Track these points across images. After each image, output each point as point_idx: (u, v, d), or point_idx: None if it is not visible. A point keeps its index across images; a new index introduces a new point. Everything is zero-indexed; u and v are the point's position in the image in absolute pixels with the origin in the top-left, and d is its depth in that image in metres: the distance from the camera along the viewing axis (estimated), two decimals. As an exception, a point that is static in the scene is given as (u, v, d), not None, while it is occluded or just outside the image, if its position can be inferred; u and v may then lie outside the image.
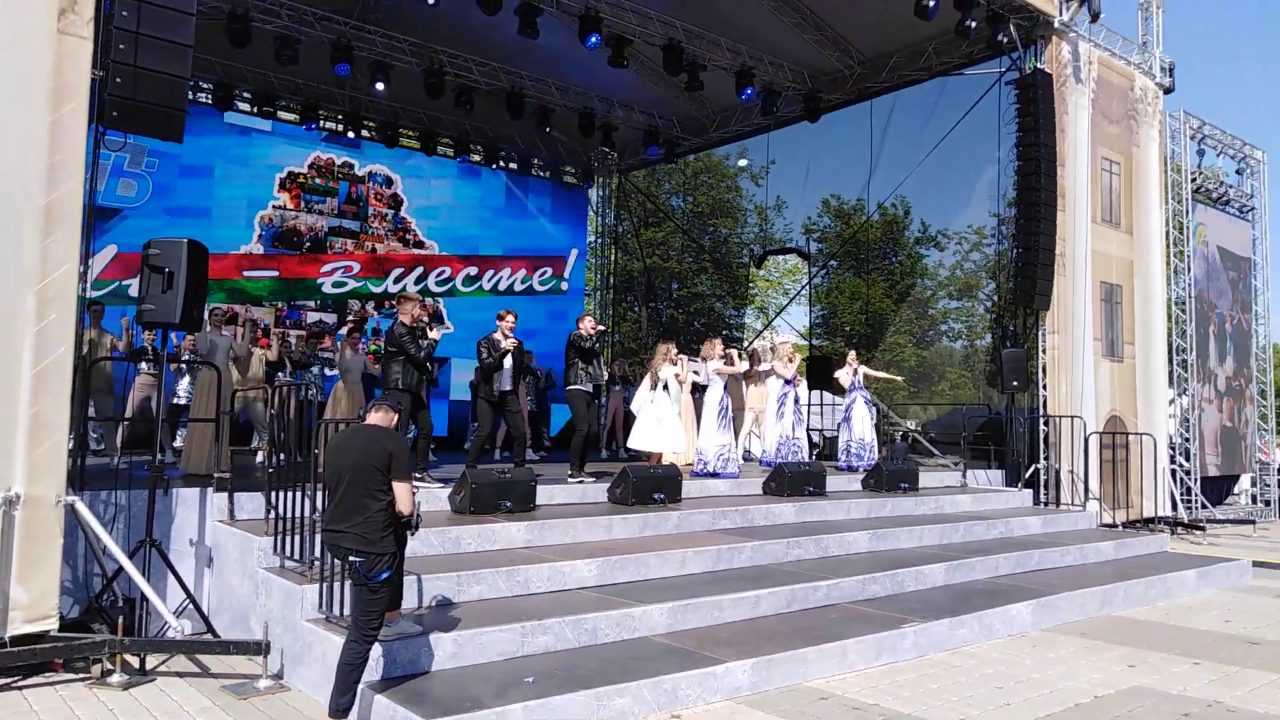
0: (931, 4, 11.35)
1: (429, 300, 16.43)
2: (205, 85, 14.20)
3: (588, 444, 9.39)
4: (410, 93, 14.44)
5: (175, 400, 9.27)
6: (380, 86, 13.58)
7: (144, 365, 9.42)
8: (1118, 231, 13.34)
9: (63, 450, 5.80)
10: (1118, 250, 13.28)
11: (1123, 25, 14.31)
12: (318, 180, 15.93)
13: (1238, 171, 16.78)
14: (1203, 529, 13.04)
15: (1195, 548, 11.57)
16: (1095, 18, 12.37)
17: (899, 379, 12.47)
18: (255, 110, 14.91)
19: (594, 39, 12.22)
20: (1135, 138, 13.79)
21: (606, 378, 9.30)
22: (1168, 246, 14.53)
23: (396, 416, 5.03)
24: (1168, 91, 14.55)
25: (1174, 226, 14.81)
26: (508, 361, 8.69)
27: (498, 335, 8.71)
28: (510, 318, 8.85)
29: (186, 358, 9.31)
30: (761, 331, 21.66)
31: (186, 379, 9.27)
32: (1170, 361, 14.28)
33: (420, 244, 17.04)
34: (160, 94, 6.62)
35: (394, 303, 16.22)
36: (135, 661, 5.58)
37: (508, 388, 8.68)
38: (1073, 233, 12.22)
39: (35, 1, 5.93)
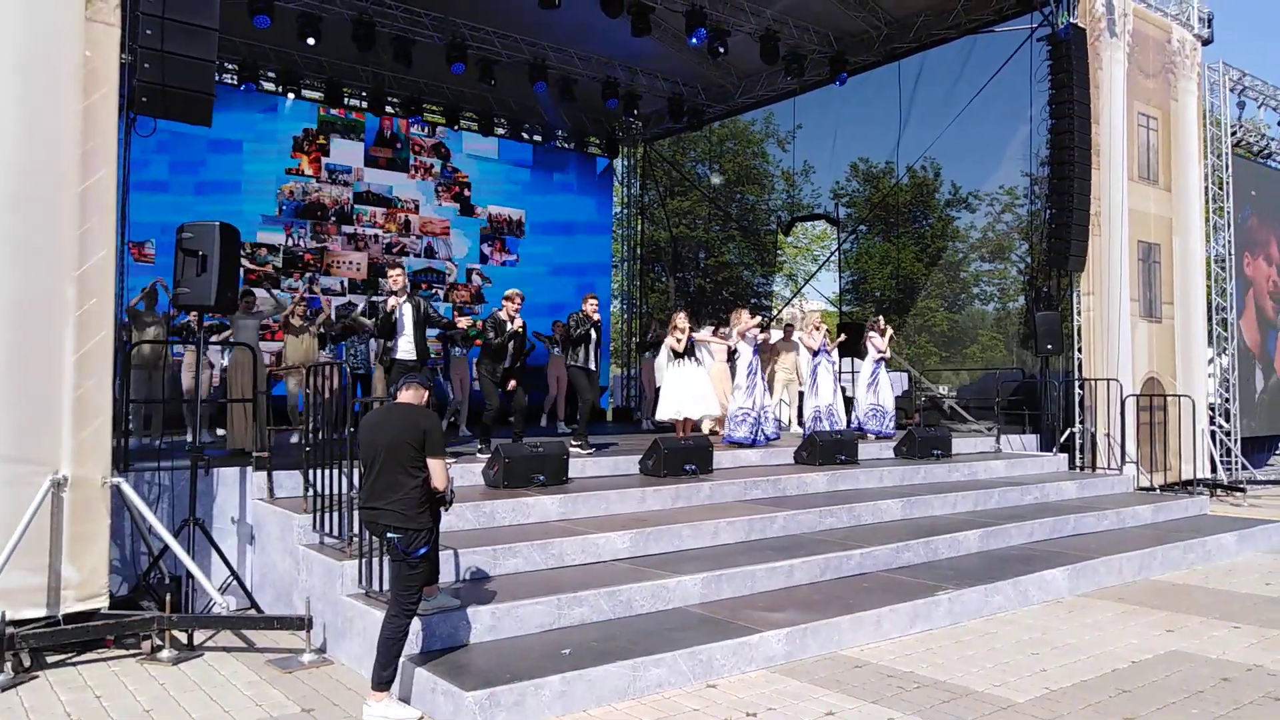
0: (961, -40, 11.08)
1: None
2: (230, 66, 14.25)
3: (587, 414, 9.53)
4: (433, 67, 14.40)
5: (214, 382, 9.45)
6: (403, 61, 13.54)
7: (181, 347, 9.58)
8: (1155, 189, 13.04)
9: (107, 432, 5.94)
10: (1156, 208, 12.99)
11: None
12: (338, 119, 15.59)
13: (1280, 124, 16.33)
14: (1243, 491, 12.85)
15: (1235, 510, 11.41)
16: (1130, -33, 12.02)
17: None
18: (280, 90, 14.96)
19: (616, 7, 12.08)
20: (1173, 91, 13.41)
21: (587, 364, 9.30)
22: (1207, 203, 14.18)
23: (427, 394, 5.09)
24: (1206, 43, 14.09)
25: (1213, 182, 14.46)
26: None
27: (503, 315, 8.61)
28: (517, 298, 8.75)
29: (218, 339, 9.45)
30: (790, 299, 21.49)
31: (221, 361, 9.42)
32: (1210, 321, 14.01)
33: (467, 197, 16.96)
34: (188, 78, 6.66)
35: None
36: (183, 637, 5.74)
37: (509, 366, 8.62)
38: (1108, 191, 11.96)
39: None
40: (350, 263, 15.93)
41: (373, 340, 10.07)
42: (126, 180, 6.93)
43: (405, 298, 8.04)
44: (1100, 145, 11.85)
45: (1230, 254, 14.53)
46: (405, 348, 8.05)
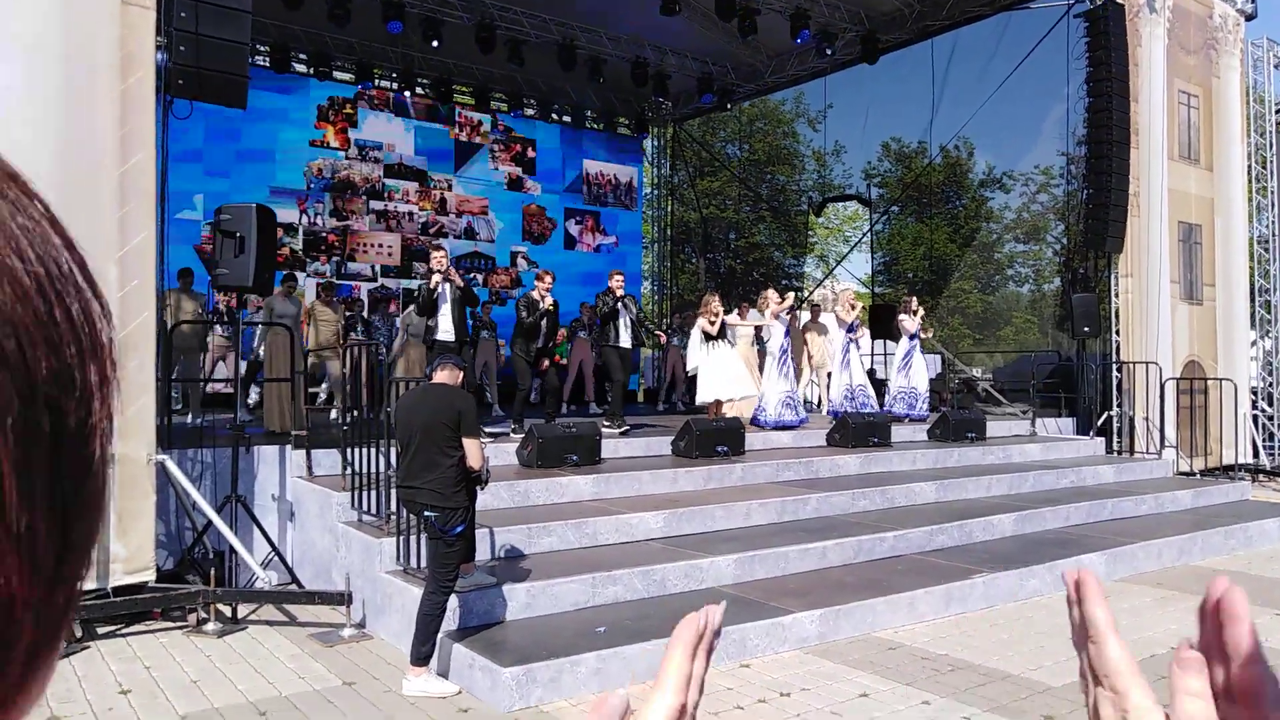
0: (998, -67, 10.86)
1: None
2: (262, 48, 14.33)
3: (619, 395, 9.52)
4: (462, 48, 14.39)
5: (250, 359, 9.57)
6: (435, 43, 13.54)
7: (218, 328, 9.71)
8: (1196, 168, 12.77)
9: (151, 411, 6.05)
10: (1196, 188, 12.72)
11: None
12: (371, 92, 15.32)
13: (1326, 101, 15.86)
14: (1285, 476, 12.63)
15: (1278, 496, 11.23)
16: (1174, -59, 11.73)
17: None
18: (311, 72, 15.02)
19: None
20: (1215, 68, 13.10)
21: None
22: (1250, 182, 13.87)
23: (462, 374, 5.13)
24: (1250, 18, 13.72)
25: (1256, 161, 14.13)
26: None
27: (535, 295, 8.63)
28: (549, 278, 8.77)
29: (259, 318, 9.58)
30: (823, 280, 21.31)
31: (258, 340, 9.55)
32: (1253, 303, 13.73)
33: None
34: (222, 60, 6.74)
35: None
36: (227, 611, 5.87)
37: (541, 345, 8.66)
38: (1147, 171, 11.73)
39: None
40: (381, 246, 15.57)
41: (396, 321, 10.12)
42: (165, 163, 7.02)
43: (445, 279, 8.10)
44: (1139, 124, 11.62)
45: (1274, 234, 14.21)
46: (445, 327, 8.10)
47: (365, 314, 11.86)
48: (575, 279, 15.87)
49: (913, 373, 11.56)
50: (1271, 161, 14.40)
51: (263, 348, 8.73)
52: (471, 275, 15.61)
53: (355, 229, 15.38)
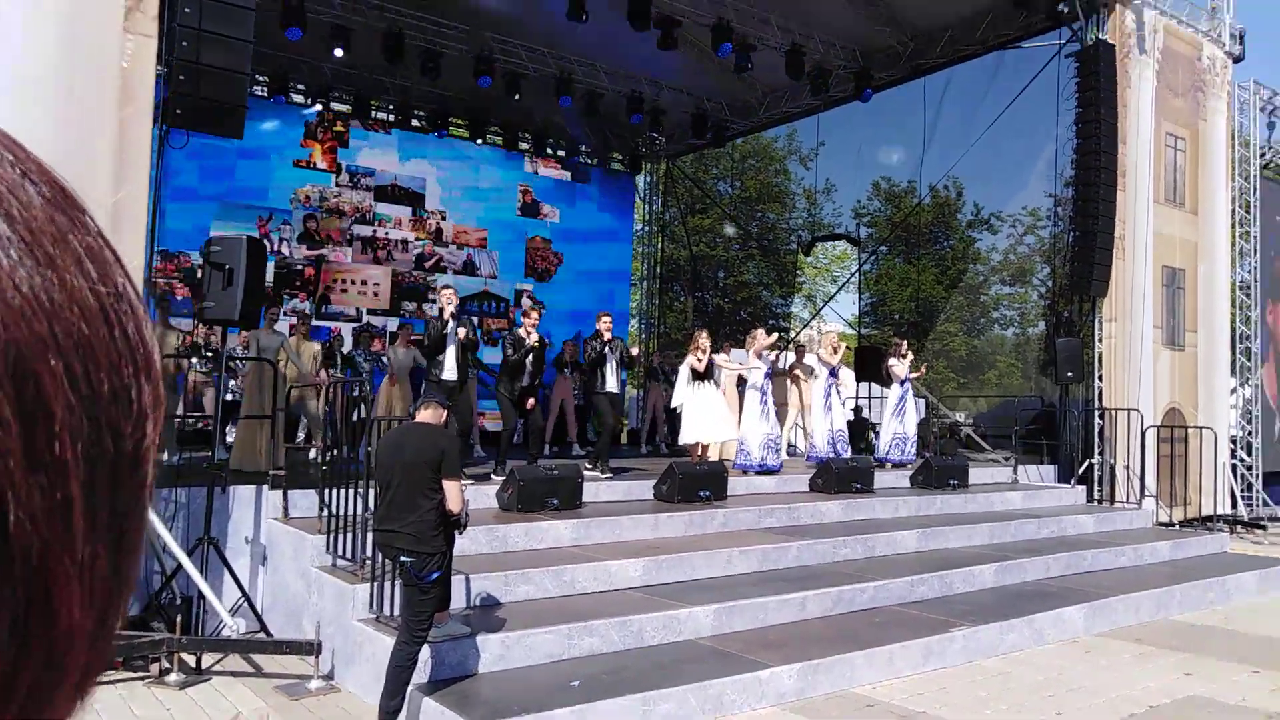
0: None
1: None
2: (260, 78, 14.31)
3: (607, 441, 9.41)
4: (460, 81, 14.45)
5: (228, 397, 9.46)
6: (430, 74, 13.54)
7: (194, 361, 9.58)
8: (1181, 212, 12.87)
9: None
10: (1181, 232, 12.81)
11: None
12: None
13: (1311, 145, 16.04)
14: (1264, 528, 12.59)
15: (1256, 548, 11.22)
16: (1163, -18, 11.89)
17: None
18: (309, 102, 15.00)
19: (644, 21, 12.10)
20: (1202, 111, 13.23)
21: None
22: (1233, 226, 13.98)
23: (446, 413, 5.09)
24: (1237, 60, 13.84)
25: (1240, 205, 14.26)
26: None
27: (522, 331, 8.53)
28: (535, 313, 8.70)
29: (240, 352, 9.49)
30: (810, 320, 21.37)
31: (239, 376, 9.45)
32: (1233, 349, 13.80)
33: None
34: (222, 90, 6.72)
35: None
36: (191, 660, 5.76)
37: (527, 384, 8.57)
38: (1133, 214, 11.82)
39: (104, 1, 6.04)
40: (365, 283, 14.37)
41: (383, 359, 10.01)
42: (158, 193, 6.99)
43: (453, 319, 8.04)
44: (1127, 166, 11.71)
45: (1256, 280, 14.31)
46: (450, 367, 8.01)
47: (346, 350, 11.70)
48: (561, 318, 15.74)
49: (906, 418, 11.44)
50: (1255, 206, 14.53)
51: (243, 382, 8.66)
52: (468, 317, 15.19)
53: (332, 260, 14.39)
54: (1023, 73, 13.54)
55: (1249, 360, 14.14)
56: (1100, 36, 11.66)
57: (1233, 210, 13.99)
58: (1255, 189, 14.52)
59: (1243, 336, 14.13)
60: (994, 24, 13.15)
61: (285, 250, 13.84)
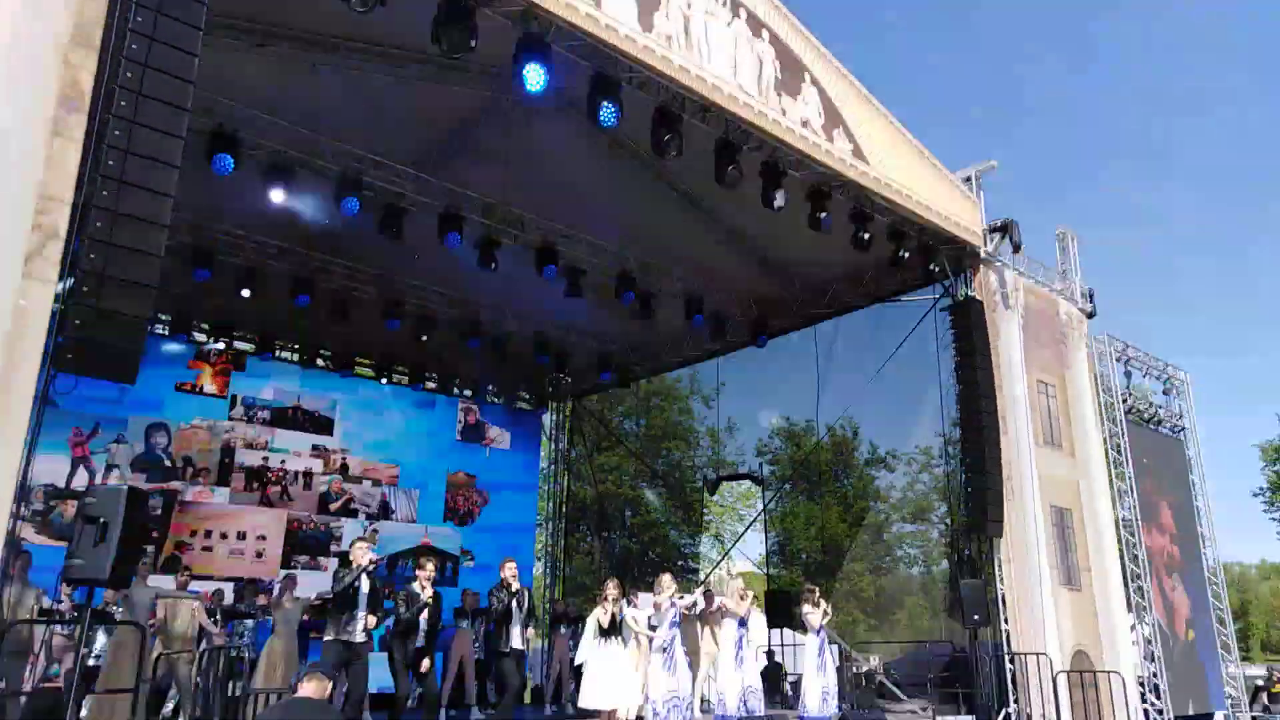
0: (866, 236, 11.76)
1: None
2: (163, 317, 14.12)
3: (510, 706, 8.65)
4: (367, 320, 14.61)
5: (89, 662, 8.38)
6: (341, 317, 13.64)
7: (59, 627, 8.50)
8: (1061, 453, 13.53)
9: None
10: (1064, 472, 13.39)
11: (1045, 253, 15.25)
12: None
13: (1164, 392, 17.46)
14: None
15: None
16: (1017, 249, 13.13)
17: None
18: (211, 339, 14.80)
19: (551, 270, 12.73)
20: (1066, 360, 14.28)
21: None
22: (1109, 468, 14.74)
23: (331, 684, 4.65)
24: (1090, 316, 15.19)
25: (1113, 447, 15.11)
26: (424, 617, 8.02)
27: (416, 586, 7.97)
28: (429, 566, 8.20)
29: (107, 611, 8.56)
30: (719, 562, 21.13)
31: (103, 638, 8.42)
32: (1126, 588, 14.07)
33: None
34: (118, 334, 6.40)
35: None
36: None
37: (422, 645, 7.93)
38: (1017, 456, 12.33)
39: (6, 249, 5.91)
40: (245, 535, 12.63)
41: (269, 619, 9.18)
42: (32, 449, 6.47)
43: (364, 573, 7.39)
44: (1005, 411, 12.35)
45: (1136, 518, 14.91)
46: (361, 629, 7.27)
47: (228, 603, 10.71)
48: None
49: (828, 670, 10.52)
50: (1124, 448, 15.42)
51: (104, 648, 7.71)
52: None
53: (195, 503, 12.46)
54: (905, 322, 14.46)
55: (1143, 599, 14.41)
56: (969, 293, 12.75)
57: (1107, 452, 14.80)
58: (1124, 431, 15.50)
59: (1133, 575, 14.48)
60: (876, 279, 14.19)
61: (116, 482, 11.36)
